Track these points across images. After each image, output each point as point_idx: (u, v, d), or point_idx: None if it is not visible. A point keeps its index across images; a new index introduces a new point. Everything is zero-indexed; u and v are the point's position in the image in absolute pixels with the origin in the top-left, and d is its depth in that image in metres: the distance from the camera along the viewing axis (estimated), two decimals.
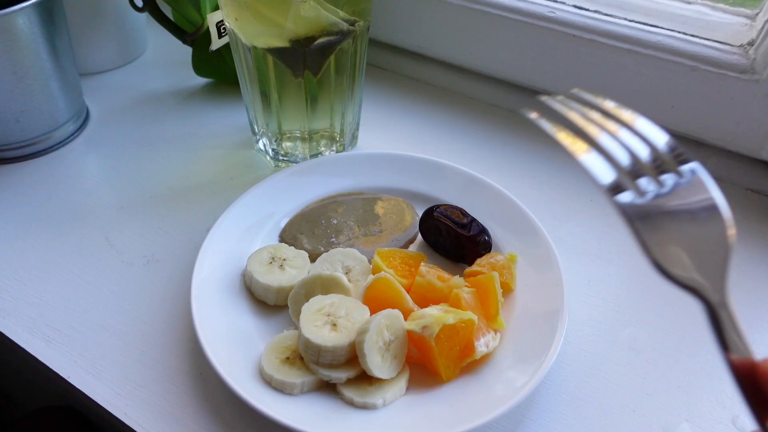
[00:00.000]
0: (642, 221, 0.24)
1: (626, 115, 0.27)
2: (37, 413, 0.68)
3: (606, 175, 0.25)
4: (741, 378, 0.23)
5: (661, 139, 0.26)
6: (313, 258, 0.48)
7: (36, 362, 0.44)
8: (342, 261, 0.46)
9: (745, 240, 0.53)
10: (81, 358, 0.43)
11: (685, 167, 0.25)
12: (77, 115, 0.63)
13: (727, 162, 0.58)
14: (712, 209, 0.24)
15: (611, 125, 0.27)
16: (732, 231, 0.24)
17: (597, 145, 0.26)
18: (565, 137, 0.26)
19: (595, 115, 0.27)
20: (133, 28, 0.73)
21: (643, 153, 0.26)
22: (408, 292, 0.43)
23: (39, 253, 0.51)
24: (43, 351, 0.44)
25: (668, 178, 0.25)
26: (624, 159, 0.25)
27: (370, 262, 0.46)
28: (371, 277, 0.43)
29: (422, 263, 0.45)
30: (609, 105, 0.28)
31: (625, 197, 0.24)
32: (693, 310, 0.47)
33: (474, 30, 0.64)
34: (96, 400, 0.41)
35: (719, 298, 0.23)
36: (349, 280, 0.44)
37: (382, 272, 0.43)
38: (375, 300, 0.41)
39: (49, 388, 0.65)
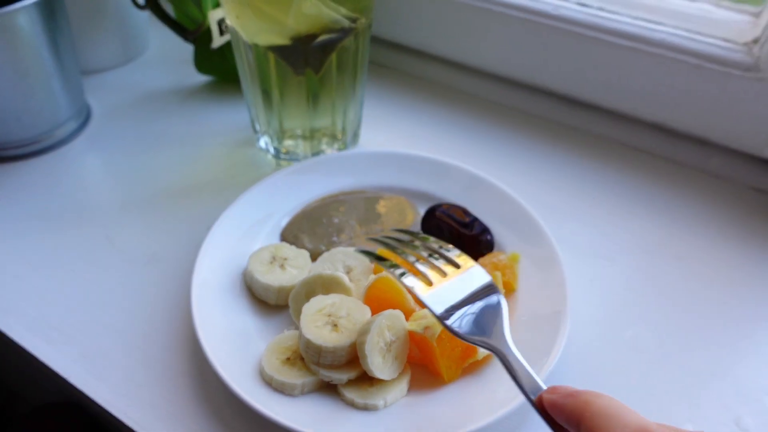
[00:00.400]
0: (440, 306, 0.33)
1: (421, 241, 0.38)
2: (41, 409, 0.69)
3: (418, 284, 0.35)
4: (542, 412, 0.28)
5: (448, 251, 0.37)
6: (314, 257, 0.47)
7: (37, 361, 0.44)
8: (343, 260, 0.45)
9: (748, 239, 0.52)
10: (81, 357, 0.43)
11: (466, 266, 0.35)
12: (79, 114, 0.63)
13: (730, 160, 0.57)
14: (488, 287, 0.34)
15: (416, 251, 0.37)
16: (498, 298, 0.34)
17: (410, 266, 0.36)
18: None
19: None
20: (135, 27, 0.72)
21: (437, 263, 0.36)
22: (409, 292, 0.42)
23: (40, 252, 0.51)
24: (43, 350, 0.44)
25: (454, 279, 0.35)
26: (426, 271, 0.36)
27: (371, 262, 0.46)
28: (372, 276, 0.43)
29: None
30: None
31: (429, 296, 0.34)
32: (696, 310, 0.47)
33: (476, 27, 0.63)
34: (96, 400, 0.41)
35: (503, 348, 0.31)
36: (350, 280, 0.44)
37: (384, 272, 0.43)
38: (376, 300, 0.41)
39: (52, 386, 0.65)
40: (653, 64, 0.56)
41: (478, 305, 0.33)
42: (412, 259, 0.37)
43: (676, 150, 0.60)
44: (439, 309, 0.33)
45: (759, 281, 0.49)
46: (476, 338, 0.31)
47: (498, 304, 0.33)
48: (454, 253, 0.37)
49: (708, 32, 0.54)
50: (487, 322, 0.32)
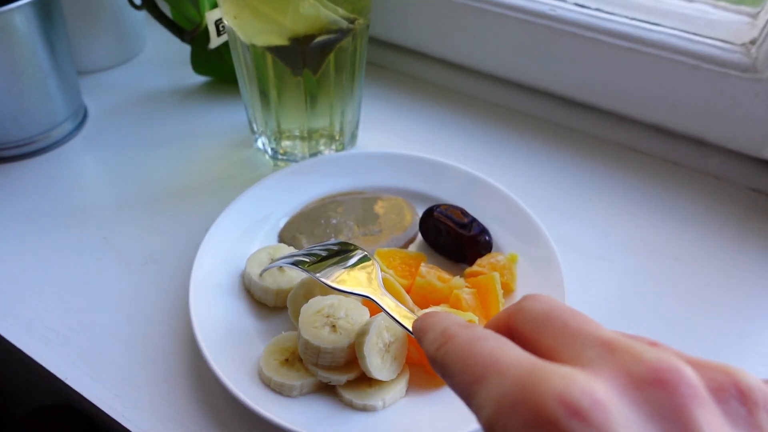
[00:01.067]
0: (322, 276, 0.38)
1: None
2: (36, 412, 0.68)
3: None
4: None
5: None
6: None
7: (34, 363, 0.43)
8: None
9: (746, 239, 0.52)
10: (79, 359, 0.43)
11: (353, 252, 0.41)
12: (75, 114, 0.63)
13: (728, 161, 0.58)
14: (364, 257, 0.40)
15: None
16: (363, 252, 0.40)
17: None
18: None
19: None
20: (132, 26, 0.72)
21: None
22: (408, 293, 0.42)
23: (36, 253, 0.51)
24: (40, 352, 0.43)
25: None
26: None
27: None
28: None
29: (422, 263, 0.45)
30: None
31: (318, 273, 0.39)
32: (693, 310, 0.47)
33: (474, 28, 0.63)
34: (94, 402, 0.40)
35: (378, 294, 0.36)
36: None
37: (382, 273, 0.43)
38: None
39: (48, 387, 0.65)
40: (651, 65, 0.56)
41: (357, 269, 0.39)
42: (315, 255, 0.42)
43: (673, 150, 0.60)
44: (324, 277, 0.38)
45: (756, 281, 0.49)
46: (354, 290, 0.37)
47: (373, 265, 0.39)
48: (346, 247, 0.42)
49: (706, 33, 0.54)
50: (365, 280, 0.38)
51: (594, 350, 0.21)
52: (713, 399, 0.20)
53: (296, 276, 0.44)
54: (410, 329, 0.31)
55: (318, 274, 0.38)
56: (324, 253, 0.41)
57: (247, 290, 0.45)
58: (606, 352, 0.21)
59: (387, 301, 0.35)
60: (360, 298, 0.39)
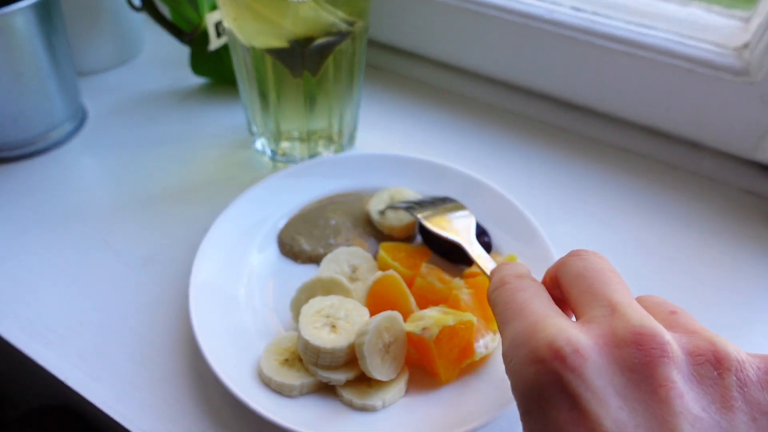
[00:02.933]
0: (425, 218, 0.46)
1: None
2: (32, 413, 0.68)
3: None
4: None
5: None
6: (312, 259, 0.48)
7: (33, 364, 0.44)
8: (348, 260, 0.46)
9: (739, 242, 0.53)
10: (79, 359, 0.43)
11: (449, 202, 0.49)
12: (74, 116, 0.63)
13: (721, 163, 0.58)
14: (461, 207, 0.48)
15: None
16: (466, 211, 0.47)
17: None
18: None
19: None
20: (131, 28, 0.72)
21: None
22: (410, 287, 0.43)
23: (36, 254, 0.51)
24: (40, 353, 0.44)
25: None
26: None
27: (376, 259, 0.47)
28: (379, 273, 0.43)
29: (423, 264, 0.45)
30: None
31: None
32: (688, 310, 0.47)
33: (472, 31, 0.64)
34: (94, 402, 0.41)
35: (467, 243, 0.42)
36: (356, 278, 0.44)
37: (390, 270, 0.43)
38: (380, 297, 0.42)
39: (45, 389, 0.65)
40: (646, 68, 0.56)
41: (457, 218, 0.46)
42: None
43: (668, 153, 0.60)
44: (426, 220, 0.46)
45: (750, 282, 0.50)
46: (449, 236, 0.44)
47: (471, 220, 0.46)
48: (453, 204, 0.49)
49: (699, 37, 0.55)
50: (461, 230, 0.45)
51: (600, 311, 0.25)
52: (687, 361, 0.23)
53: (406, 217, 0.49)
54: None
55: (421, 216, 0.46)
56: (433, 205, 0.48)
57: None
58: (608, 314, 0.25)
59: (474, 249, 0.41)
60: (364, 299, 0.40)
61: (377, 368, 0.38)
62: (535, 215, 0.49)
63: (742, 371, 0.23)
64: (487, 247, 0.47)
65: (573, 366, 0.23)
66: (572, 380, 0.23)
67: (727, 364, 0.23)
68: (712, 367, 0.23)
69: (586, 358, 0.23)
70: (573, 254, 0.29)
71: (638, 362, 0.22)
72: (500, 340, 0.42)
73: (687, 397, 0.22)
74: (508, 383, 0.39)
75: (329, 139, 0.57)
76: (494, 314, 0.29)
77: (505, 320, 0.27)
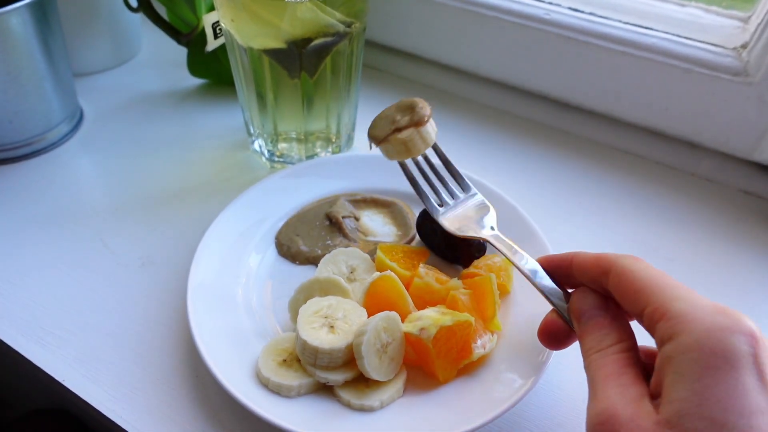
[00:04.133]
0: (443, 217, 0.43)
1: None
2: (29, 416, 0.68)
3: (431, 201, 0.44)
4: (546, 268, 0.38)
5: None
6: (310, 260, 0.48)
7: (30, 365, 0.43)
8: (345, 260, 0.46)
9: (738, 241, 0.53)
10: (76, 361, 0.43)
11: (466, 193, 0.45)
12: (71, 116, 0.63)
13: (720, 164, 0.58)
14: (482, 203, 0.44)
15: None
16: (488, 206, 0.44)
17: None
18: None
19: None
20: (128, 29, 0.72)
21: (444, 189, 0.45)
22: (408, 288, 0.43)
23: (33, 255, 0.51)
24: (38, 354, 0.43)
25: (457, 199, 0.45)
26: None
27: (373, 260, 0.47)
28: (376, 273, 0.43)
29: (421, 265, 0.45)
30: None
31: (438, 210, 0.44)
32: None
33: (469, 32, 0.64)
34: (92, 403, 0.40)
35: (493, 234, 0.41)
36: (353, 279, 0.44)
37: (388, 270, 0.43)
38: (378, 297, 0.42)
39: (42, 391, 0.65)
40: (644, 69, 0.56)
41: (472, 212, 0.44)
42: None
43: (666, 153, 0.60)
44: (438, 214, 0.43)
45: (748, 282, 0.50)
46: (466, 234, 0.42)
47: (487, 206, 0.44)
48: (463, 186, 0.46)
49: (698, 37, 0.55)
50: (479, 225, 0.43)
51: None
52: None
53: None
54: (518, 266, 0.38)
55: (441, 216, 0.43)
56: (450, 201, 0.45)
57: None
58: None
59: (505, 242, 0.41)
60: (362, 300, 0.40)
61: (375, 368, 0.38)
62: (534, 216, 0.49)
63: None
64: (481, 248, 0.47)
65: None
66: None
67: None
68: None
69: None
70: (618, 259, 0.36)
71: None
72: (498, 340, 0.42)
73: None
74: (505, 384, 0.39)
75: (327, 140, 0.57)
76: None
77: (589, 393, 0.30)
